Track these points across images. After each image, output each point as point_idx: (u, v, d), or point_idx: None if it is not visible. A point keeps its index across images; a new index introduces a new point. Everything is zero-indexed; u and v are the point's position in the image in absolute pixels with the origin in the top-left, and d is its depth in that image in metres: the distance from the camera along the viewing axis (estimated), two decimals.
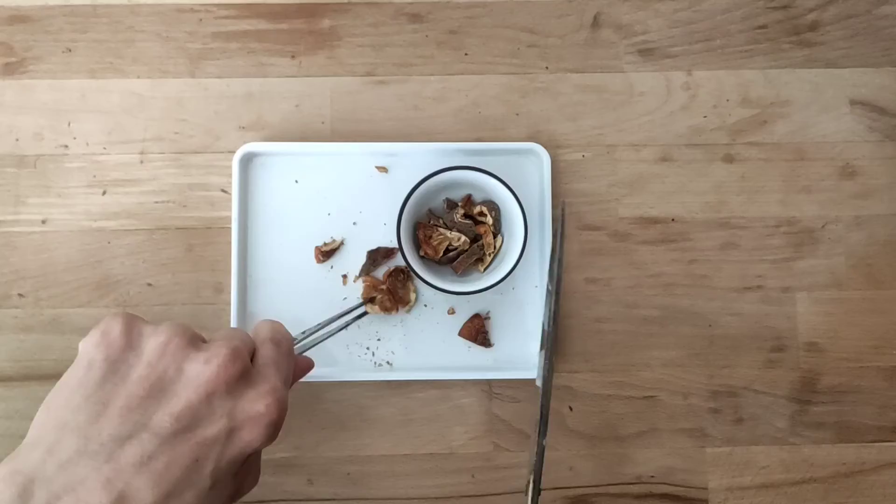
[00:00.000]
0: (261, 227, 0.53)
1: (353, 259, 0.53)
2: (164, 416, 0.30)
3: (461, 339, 0.53)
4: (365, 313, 0.51)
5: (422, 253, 0.52)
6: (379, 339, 0.53)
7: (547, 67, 0.55)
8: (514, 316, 0.53)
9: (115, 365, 0.31)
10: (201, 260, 0.53)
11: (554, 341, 0.46)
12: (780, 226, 0.55)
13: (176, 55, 0.54)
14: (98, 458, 0.29)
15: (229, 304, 0.51)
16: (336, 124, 0.54)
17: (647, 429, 0.53)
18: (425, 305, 0.53)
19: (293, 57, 0.55)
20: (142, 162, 0.54)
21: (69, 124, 0.54)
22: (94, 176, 0.53)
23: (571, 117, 0.55)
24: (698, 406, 0.53)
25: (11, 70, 0.54)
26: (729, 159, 0.55)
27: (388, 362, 0.53)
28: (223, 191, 0.54)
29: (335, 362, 0.52)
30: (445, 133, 0.54)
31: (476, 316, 0.53)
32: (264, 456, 0.52)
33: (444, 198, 0.53)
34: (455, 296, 0.52)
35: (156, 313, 0.53)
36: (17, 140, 0.53)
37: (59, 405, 0.30)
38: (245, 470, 0.34)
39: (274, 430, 0.32)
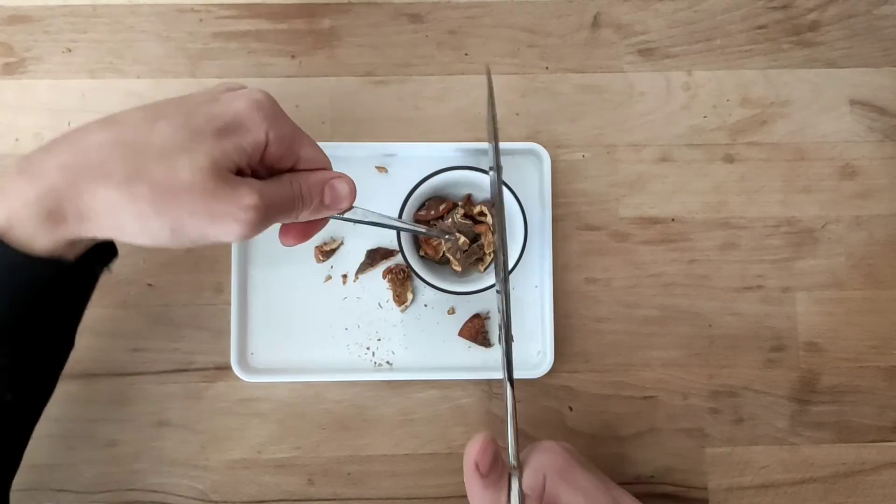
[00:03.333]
0: None
1: (352, 259, 0.53)
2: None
3: (461, 339, 0.53)
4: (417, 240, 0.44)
5: (422, 253, 0.52)
6: (379, 339, 0.53)
7: (547, 67, 0.55)
8: (515, 316, 0.53)
9: None
10: (201, 260, 0.53)
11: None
12: (780, 226, 0.55)
13: (176, 55, 0.54)
14: None
15: (229, 304, 0.51)
16: (336, 124, 0.54)
17: (646, 429, 0.53)
18: (425, 305, 0.53)
19: (293, 57, 0.55)
20: None
21: (69, 124, 0.54)
22: None
23: (571, 117, 0.55)
24: (698, 406, 0.53)
25: (11, 70, 0.54)
26: (729, 159, 0.55)
27: (388, 362, 0.53)
28: None
29: (335, 362, 0.52)
30: (445, 133, 0.54)
31: (476, 316, 0.53)
32: (265, 456, 0.52)
33: None
34: (455, 296, 0.52)
35: (156, 313, 0.52)
36: (16, 140, 0.53)
37: None
38: None
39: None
